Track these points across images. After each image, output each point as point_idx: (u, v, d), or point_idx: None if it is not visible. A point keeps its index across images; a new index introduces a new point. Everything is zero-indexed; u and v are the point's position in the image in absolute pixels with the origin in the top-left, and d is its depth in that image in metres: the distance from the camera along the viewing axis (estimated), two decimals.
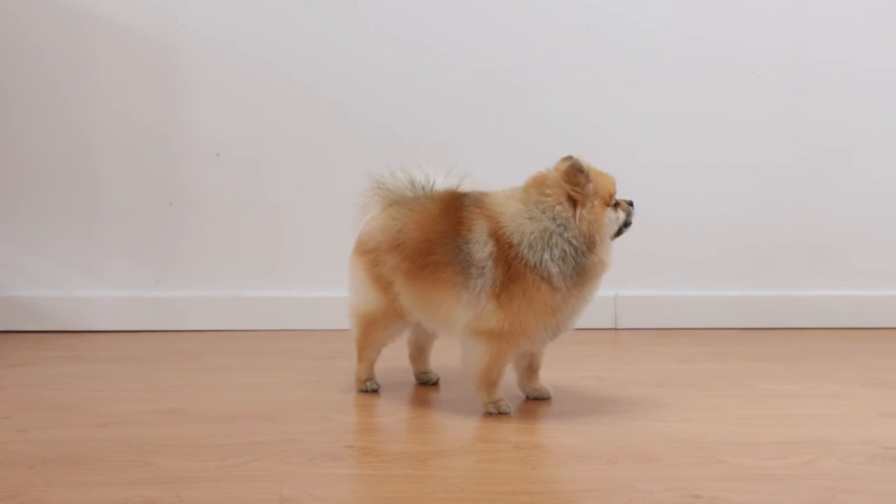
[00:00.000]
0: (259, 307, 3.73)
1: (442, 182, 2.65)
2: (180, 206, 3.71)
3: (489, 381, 2.50)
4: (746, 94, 3.78)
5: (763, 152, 3.80)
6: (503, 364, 2.50)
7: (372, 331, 2.72)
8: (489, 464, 2.15)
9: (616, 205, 2.47)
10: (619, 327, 3.77)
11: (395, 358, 3.22)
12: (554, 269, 2.38)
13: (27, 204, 3.67)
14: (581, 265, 2.40)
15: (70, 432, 2.36)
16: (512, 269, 2.39)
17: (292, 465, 2.12)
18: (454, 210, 2.50)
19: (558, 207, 2.40)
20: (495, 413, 2.49)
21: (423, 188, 2.64)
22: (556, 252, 2.38)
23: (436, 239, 2.49)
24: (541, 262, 2.38)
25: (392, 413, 2.55)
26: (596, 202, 2.42)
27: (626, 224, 2.51)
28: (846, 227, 3.84)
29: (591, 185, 2.41)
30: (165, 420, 2.47)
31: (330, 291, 3.72)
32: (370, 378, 2.79)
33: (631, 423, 2.47)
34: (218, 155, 3.69)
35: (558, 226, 2.39)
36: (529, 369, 2.65)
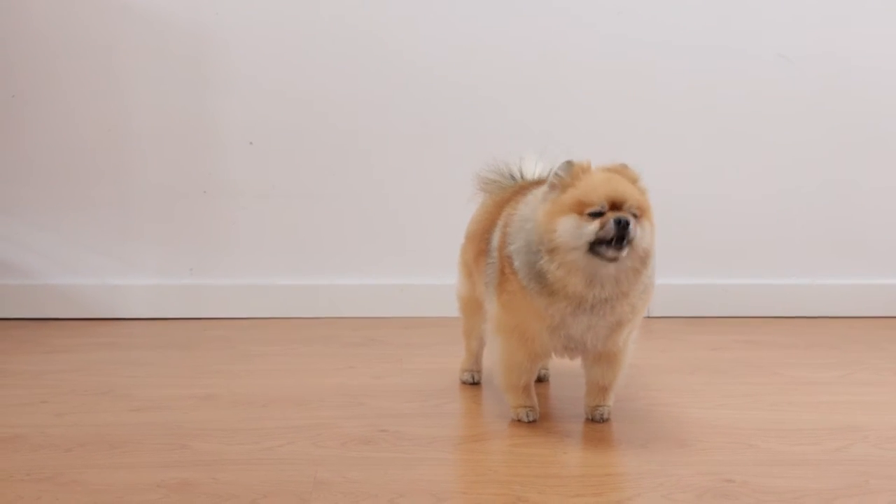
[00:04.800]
0: (292, 295, 3.75)
1: (531, 170, 2.54)
2: (213, 195, 3.74)
3: (507, 383, 2.35)
4: (779, 86, 3.77)
5: (795, 143, 3.79)
6: (514, 364, 2.31)
7: (467, 317, 2.69)
8: (521, 448, 2.16)
9: (596, 216, 2.08)
10: (651, 315, 3.76)
11: (421, 346, 3.23)
12: (517, 262, 2.19)
13: (62, 194, 3.71)
14: (535, 267, 2.14)
15: (107, 416, 2.39)
16: (503, 260, 2.25)
17: (326, 448, 2.14)
18: (509, 200, 2.40)
19: (535, 201, 2.21)
20: (514, 419, 2.34)
21: (512, 177, 2.55)
22: (520, 243, 2.19)
23: (488, 228, 2.43)
24: (512, 253, 2.21)
25: (426, 399, 2.55)
26: (556, 204, 2.13)
27: (603, 241, 2.06)
28: (878, 216, 3.82)
29: (571, 189, 2.12)
30: (200, 405, 2.49)
31: (362, 279, 3.75)
32: (468, 369, 2.73)
33: (663, 409, 2.48)
34: (251, 143, 3.71)
35: (528, 219, 2.19)
36: (596, 385, 2.35)
